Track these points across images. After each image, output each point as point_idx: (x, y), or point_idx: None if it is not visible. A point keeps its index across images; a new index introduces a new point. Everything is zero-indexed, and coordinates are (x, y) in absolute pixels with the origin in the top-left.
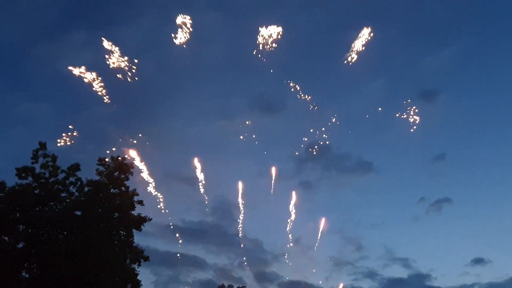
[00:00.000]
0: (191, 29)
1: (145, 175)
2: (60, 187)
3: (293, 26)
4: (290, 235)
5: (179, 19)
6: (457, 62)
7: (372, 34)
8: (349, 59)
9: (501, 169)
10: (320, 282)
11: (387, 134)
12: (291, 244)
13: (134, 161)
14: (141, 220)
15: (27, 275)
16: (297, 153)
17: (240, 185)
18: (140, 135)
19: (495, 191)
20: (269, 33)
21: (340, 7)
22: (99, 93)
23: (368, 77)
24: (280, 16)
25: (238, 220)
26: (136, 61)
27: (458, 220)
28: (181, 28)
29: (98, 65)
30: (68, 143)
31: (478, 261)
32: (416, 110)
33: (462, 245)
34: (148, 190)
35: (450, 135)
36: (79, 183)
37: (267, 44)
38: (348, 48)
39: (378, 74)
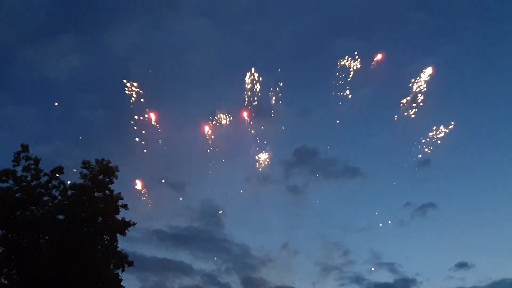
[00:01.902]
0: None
1: None
2: (43, 190)
3: (280, 34)
4: None
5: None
6: (439, 70)
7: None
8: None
9: (484, 175)
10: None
11: (374, 139)
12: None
13: None
14: (125, 225)
15: (6, 282)
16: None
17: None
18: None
19: (478, 196)
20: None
21: (327, 16)
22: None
23: (355, 84)
24: (268, 23)
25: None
26: None
27: (443, 224)
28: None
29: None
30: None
31: (462, 265)
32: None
33: (446, 249)
34: None
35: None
36: (62, 186)
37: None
38: (334, 56)
39: (364, 81)
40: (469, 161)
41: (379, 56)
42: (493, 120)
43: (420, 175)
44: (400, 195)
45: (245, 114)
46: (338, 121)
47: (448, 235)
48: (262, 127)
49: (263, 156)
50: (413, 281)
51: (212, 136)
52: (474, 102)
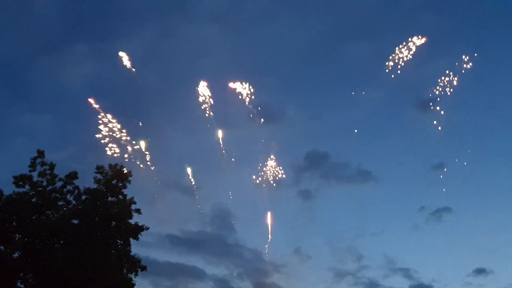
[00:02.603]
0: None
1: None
2: (58, 195)
3: (291, 38)
4: None
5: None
6: (454, 72)
7: None
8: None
9: (500, 178)
10: None
11: (387, 143)
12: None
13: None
14: (138, 229)
15: (22, 285)
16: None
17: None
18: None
19: (495, 200)
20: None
21: (337, 20)
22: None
23: (366, 86)
24: (279, 27)
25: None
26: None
27: (459, 229)
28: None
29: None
30: None
31: (480, 271)
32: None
33: (463, 255)
34: None
35: (448, 144)
36: (76, 191)
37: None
38: (345, 59)
39: (376, 83)
40: (484, 164)
41: (421, 41)
42: (509, 124)
43: (435, 178)
44: (414, 199)
45: (256, 118)
46: (355, 129)
47: (465, 240)
48: (273, 131)
49: (274, 161)
50: (429, 287)
51: (224, 141)
52: (489, 103)
